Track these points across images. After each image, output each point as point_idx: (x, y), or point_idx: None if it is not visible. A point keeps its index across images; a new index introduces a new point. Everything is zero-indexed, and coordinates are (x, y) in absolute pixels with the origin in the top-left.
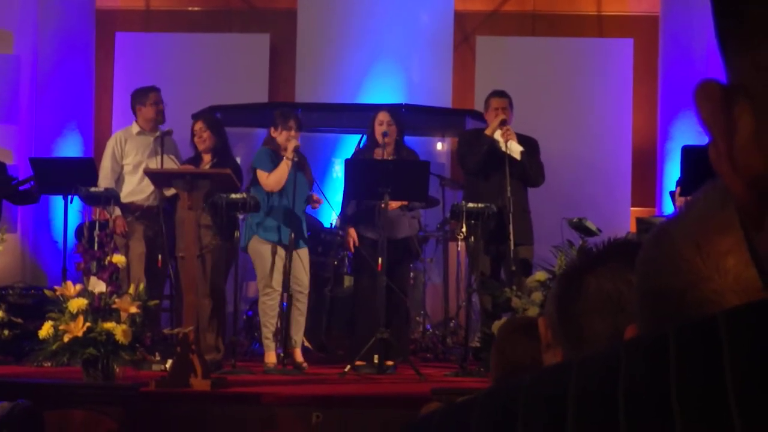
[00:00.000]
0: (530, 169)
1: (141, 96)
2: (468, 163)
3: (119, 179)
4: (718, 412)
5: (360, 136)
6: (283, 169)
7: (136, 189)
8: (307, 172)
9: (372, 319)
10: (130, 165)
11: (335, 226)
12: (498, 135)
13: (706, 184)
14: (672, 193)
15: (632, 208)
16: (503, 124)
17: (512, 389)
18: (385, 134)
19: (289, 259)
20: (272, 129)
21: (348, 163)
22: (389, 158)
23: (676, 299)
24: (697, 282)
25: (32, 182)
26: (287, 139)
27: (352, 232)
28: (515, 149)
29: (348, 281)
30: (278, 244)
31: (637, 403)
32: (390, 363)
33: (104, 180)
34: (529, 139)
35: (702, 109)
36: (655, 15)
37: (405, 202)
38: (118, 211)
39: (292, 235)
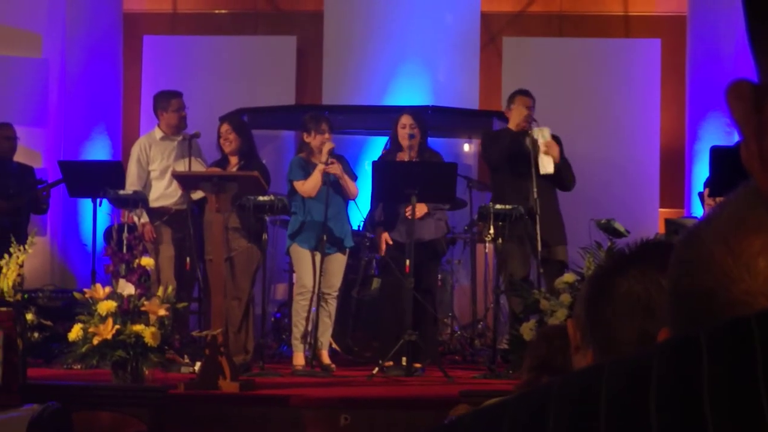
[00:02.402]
0: (565, 178)
1: (163, 101)
2: (491, 155)
3: (146, 185)
4: (751, 413)
5: (387, 137)
6: (318, 174)
7: (164, 193)
8: (347, 170)
9: (399, 322)
10: (156, 170)
11: (363, 229)
12: (540, 139)
13: (738, 185)
14: (701, 194)
15: (660, 210)
16: (531, 121)
17: (543, 391)
18: (411, 136)
19: (318, 261)
20: (305, 134)
21: (375, 166)
22: (417, 160)
23: (706, 300)
24: (727, 283)
25: (44, 192)
26: (322, 142)
27: (384, 234)
28: (547, 164)
29: (375, 283)
30: (315, 250)
31: (670, 404)
32: (418, 365)
33: (131, 187)
34: (553, 137)
35: (733, 109)
36: (683, 15)
37: (427, 209)
38: (145, 218)
39: (325, 237)
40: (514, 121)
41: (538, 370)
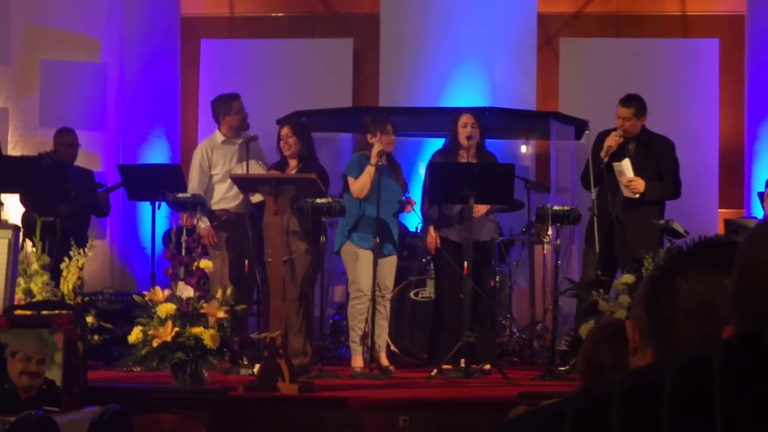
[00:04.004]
0: (658, 198)
1: (224, 105)
2: (584, 182)
3: (208, 188)
4: None
5: (444, 139)
6: (366, 176)
7: (225, 196)
8: (400, 178)
9: (457, 323)
10: (219, 174)
11: (420, 230)
12: (623, 178)
13: None
14: (761, 194)
15: (720, 210)
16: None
17: (605, 389)
18: (470, 137)
19: (374, 263)
20: (368, 136)
21: (432, 166)
22: (473, 161)
23: None
24: None
25: (104, 196)
26: (387, 143)
27: (433, 231)
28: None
29: (432, 285)
30: (368, 250)
31: (735, 400)
32: (476, 367)
33: (193, 192)
34: (662, 141)
35: None
36: (741, 14)
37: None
38: (206, 222)
39: (377, 239)
40: (604, 151)
41: (592, 372)
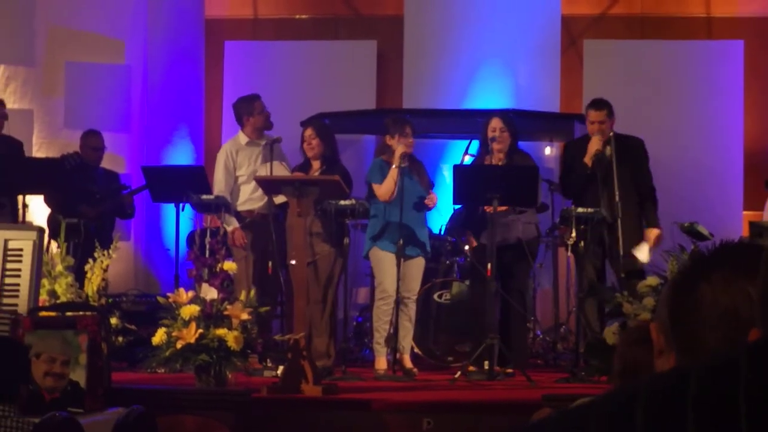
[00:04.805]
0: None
1: (246, 107)
2: (566, 187)
3: (233, 190)
4: None
5: (468, 141)
6: (391, 179)
7: (251, 197)
8: (423, 177)
9: (483, 325)
10: (244, 175)
11: (443, 233)
12: (641, 258)
13: None
14: None
15: (744, 212)
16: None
17: (630, 391)
18: (492, 140)
19: (398, 265)
20: (387, 137)
21: (456, 169)
22: (500, 164)
23: None
24: None
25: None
26: (407, 145)
27: (471, 237)
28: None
29: (456, 287)
30: (392, 253)
31: (760, 403)
32: (508, 370)
33: (219, 194)
34: (635, 141)
35: None
36: (766, 16)
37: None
38: (235, 223)
39: (401, 242)
40: (589, 155)
41: (629, 374)
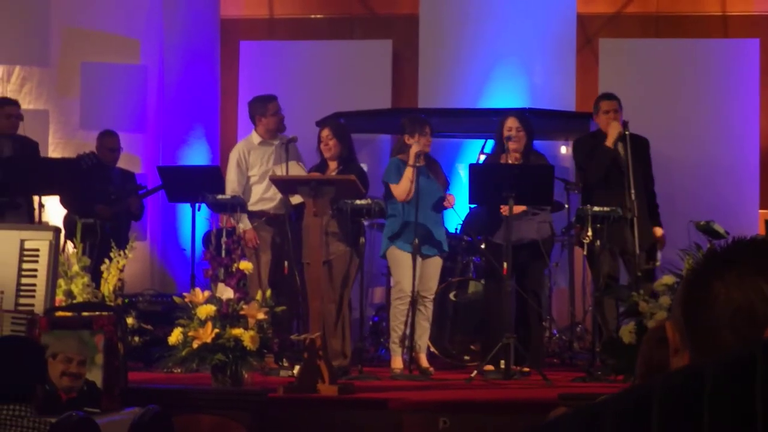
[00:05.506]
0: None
1: (260, 107)
2: (590, 177)
3: (245, 190)
4: None
5: (483, 140)
6: (407, 177)
7: (263, 197)
8: (440, 176)
9: (499, 324)
10: (256, 175)
11: (460, 232)
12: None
13: None
14: None
15: (761, 211)
16: (622, 131)
17: (646, 389)
18: (508, 139)
19: (414, 265)
20: (406, 136)
21: (472, 168)
22: (516, 163)
23: None
24: None
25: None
26: (425, 145)
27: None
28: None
29: (473, 286)
30: (408, 252)
31: None
32: (525, 369)
33: (231, 193)
34: (643, 141)
35: None
36: None
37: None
38: (248, 224)
39: (416, 241)
40: (611, 139)
41: (651, 373)
